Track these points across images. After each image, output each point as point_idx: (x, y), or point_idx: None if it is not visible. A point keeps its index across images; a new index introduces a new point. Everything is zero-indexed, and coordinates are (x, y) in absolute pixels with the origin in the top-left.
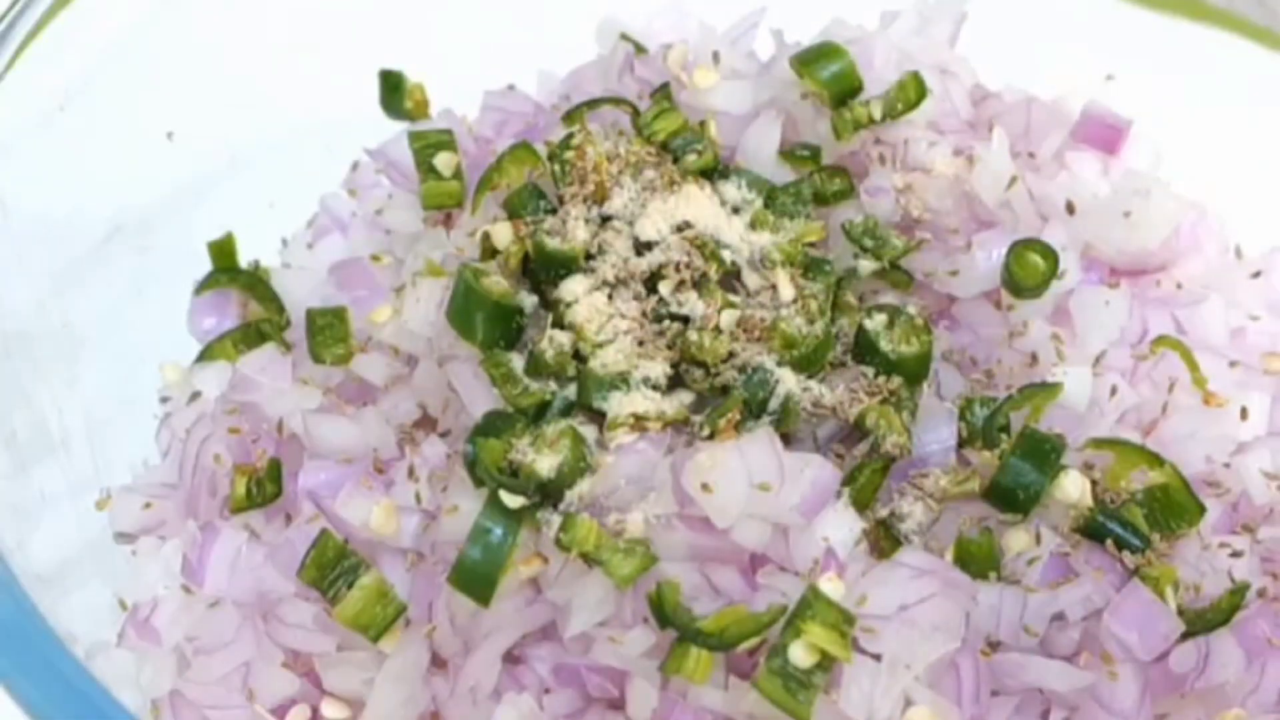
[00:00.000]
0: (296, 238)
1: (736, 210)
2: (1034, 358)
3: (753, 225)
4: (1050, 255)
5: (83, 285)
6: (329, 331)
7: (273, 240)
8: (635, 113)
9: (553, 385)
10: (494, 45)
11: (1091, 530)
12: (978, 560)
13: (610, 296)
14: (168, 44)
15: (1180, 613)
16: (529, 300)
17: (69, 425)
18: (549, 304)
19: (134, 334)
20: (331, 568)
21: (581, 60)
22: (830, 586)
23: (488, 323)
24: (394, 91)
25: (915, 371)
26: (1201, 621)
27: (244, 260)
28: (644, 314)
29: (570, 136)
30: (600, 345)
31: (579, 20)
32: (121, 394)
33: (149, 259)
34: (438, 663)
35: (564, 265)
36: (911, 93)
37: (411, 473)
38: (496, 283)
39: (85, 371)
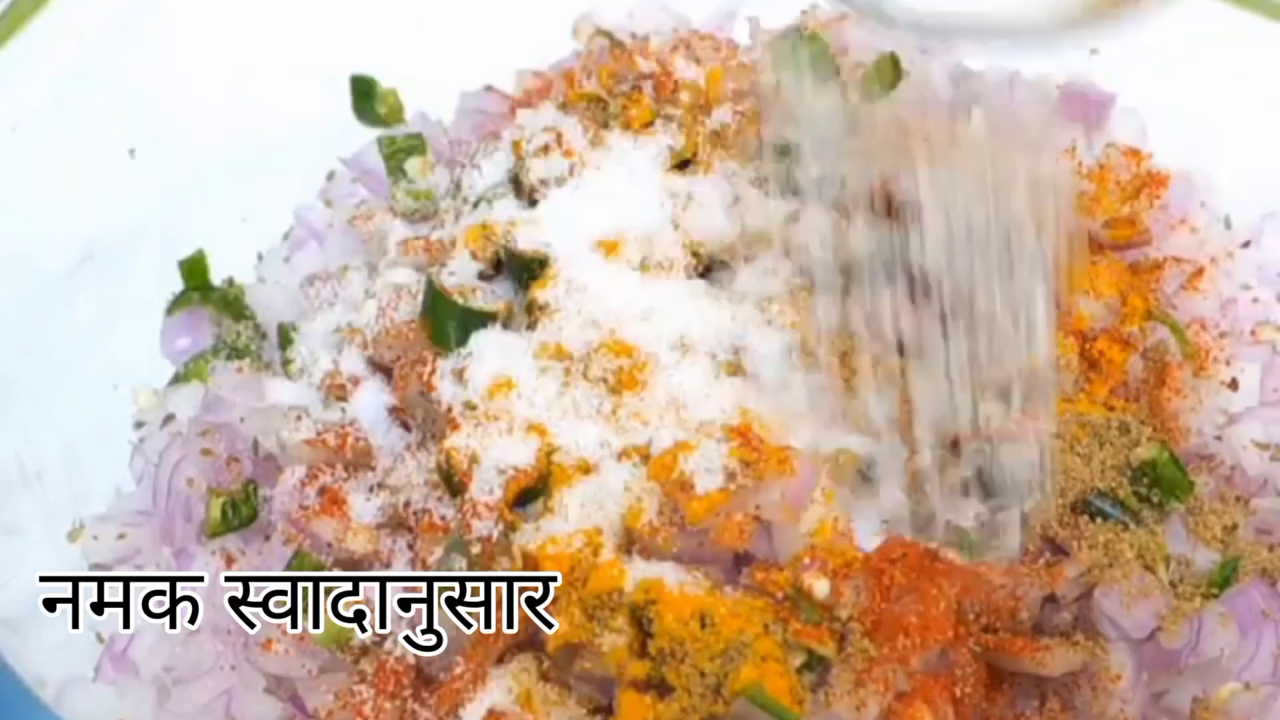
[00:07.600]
0: (272, 251)
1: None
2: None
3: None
4: None
5: (54, 312)
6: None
7: (248, 255)
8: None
9: None
10: (471, 46)
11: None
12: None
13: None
14: (125, 61)
15: (1172, 587)
16: (506, 302)
17: (44, 455)
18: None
19: (109, 360)
20: None
21: (559, 57)
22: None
23: (459, 328)
24: (366, 98)
25: None
26: (1193, 596)
27: (218, 277)
28: None
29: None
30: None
31: (557, 17)
32: (98, 421)
33: (121, 282)
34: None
35: (538, 265)
36: (888, 74)
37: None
38: (468, 286)
39: (60, 400)
